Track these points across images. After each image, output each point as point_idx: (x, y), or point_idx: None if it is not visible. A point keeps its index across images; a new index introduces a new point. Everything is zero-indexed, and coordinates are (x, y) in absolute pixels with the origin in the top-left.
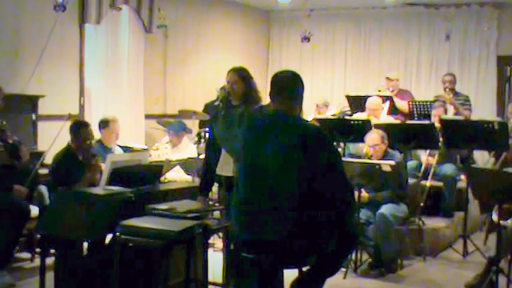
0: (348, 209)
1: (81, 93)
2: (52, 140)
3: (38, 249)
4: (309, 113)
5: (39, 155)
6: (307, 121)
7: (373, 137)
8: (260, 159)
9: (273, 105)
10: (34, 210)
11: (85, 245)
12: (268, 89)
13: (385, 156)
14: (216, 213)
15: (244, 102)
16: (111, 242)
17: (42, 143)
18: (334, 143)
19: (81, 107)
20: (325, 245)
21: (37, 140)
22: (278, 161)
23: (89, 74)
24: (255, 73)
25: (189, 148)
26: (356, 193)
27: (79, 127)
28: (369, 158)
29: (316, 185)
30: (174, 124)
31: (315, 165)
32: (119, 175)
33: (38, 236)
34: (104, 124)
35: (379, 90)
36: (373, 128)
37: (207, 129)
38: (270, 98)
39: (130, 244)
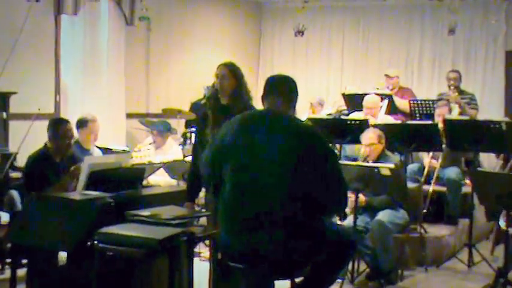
0: (340, 212)
1: (57, 90)
2: (22, 140)
3: (8, 260)
4: (303, 112)
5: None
6: (302, 121)
7: (369, 136)
8: (251, 161)
9: (264, 105)
10: (4, 217)
11: (61, 254)
12: (259, 88)
13: (381, 157)
14: (203, 220)
15: (234, 101)
16: (89, 251)
17: (14, 143)
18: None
19: (57, 105)
20: (320, 254)
21: (8, 141)
22: (271, 163)
23: (65, 69)
24: (245, 69)
25: (174, 150)
26: (353, 197)
27: (58, 124)
28: (365, 159)
29: (310, 187)
30: (158, 124)
31: (310, 167)
32: (97, 179)
33: (9, 245)
34: (81, 124)
35: (377, 88)
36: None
37: (193, 129)
38: (262, 99)
39: (110, 253)
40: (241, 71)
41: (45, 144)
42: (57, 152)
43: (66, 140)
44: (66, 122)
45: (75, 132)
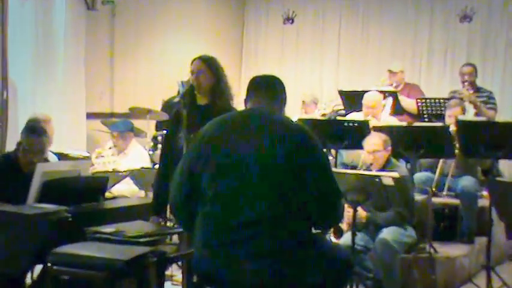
0: (334, 223)
1: (4, 86)
2: None
3: None
4: (294, 112)
5: None
6: (292, 121)
7: (374, 142)
8: (235, 168)
9: (248, 105)
10: None
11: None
12: (242, 84)
13: (386, 166)
14: (175, 238)
15: (212, 100)
16: (41, 275)
17: None
18: (324, 150)
19: (4, 103)
20: (312, 275)
21: None
22: (258, 169)
23: (14, 61)
24: (226, 62)
25: (140, 154)
26: (351, 211)
27: (31, 137)
28: (368, 168)
29: (301, 196)
30: (117, 124)
31: (300, 171)
32: (51, 190)
33: None
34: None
35: (383, 81)
36: (371, 131)
37: (165, 132)
38: (245, 101)
39: (66, 277)
40: (221, 65)
41: (15, 149)
42: (25, 164)
43: (33, 156)
44: (43, 134)
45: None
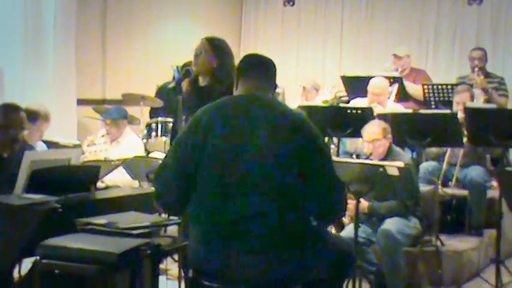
0: (337, 214)
1: None
2: None
3: None
4: (294, 98)
5: None
6: (290, 108)
7: (373, 130)
8: (234, 157)
9: (241, 88)
10: None
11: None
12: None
13: (388, 155)
14: (172, 230)
15: (213, 82)
16: (31, 270)
17: None
18: (326, 138)
19: None
20: (312, 270)
21: None
22: (258, 159)
23: (2, 47)
24: None
25: (134, 143)
26: (353, 203)
27: (8, 111)
28: (367, 158)
29: (302, 187)
30: (110, 111)
31: (299, 163)
32: (41, 179)
33: None
34: (31, 117)
35: (388, 68)
36: (375, 118)
37: (160, 119)
38: (237, 82)
39: (56, 271)
40: (229, 49)
41: None
42: (3, 146)
43: (14, 132)
44: (19, 109)
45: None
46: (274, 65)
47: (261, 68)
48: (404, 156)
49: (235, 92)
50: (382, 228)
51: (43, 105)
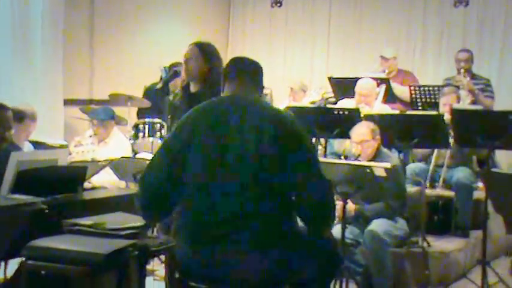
0: (326, 218)
1: None
2: None
3: None
4: (282, 99)
5: None
6: (277, 108)
7: (361, 131)
8: (219, 158)
9: (227, 91)
10: None
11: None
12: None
13: (376, 156)
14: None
15: (204, 87)
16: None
17: None
18: (313, 139)
19: None
20: (300, 270)
21: None
22: (243, 159)
23: None
24: None
25: (121, 143)
26: (340, 204)
27: None
28: (356, 159)
29: (285, 187)
30: (98, 111)
31: (285, 163)
32: (27, 180)
33: None
34: (18, 117)
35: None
36: (364, 120)
37: (147, 120)
38: (223, 84)
39: (43, 272)
40: (218, 52)
41: None
42: None
43: (1, 131)
44: (5, 108)
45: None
46: (261, 68)
47: (247, 71)
48: (393, 158)
49: (222, 95)
50: (368, 229)
51: (30, 105)
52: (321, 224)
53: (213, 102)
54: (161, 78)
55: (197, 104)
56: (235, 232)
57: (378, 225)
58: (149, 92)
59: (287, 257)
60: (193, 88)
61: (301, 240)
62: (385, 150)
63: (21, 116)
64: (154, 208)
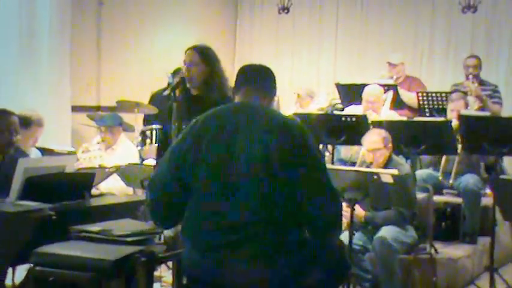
0: (333, 227)
1: None
2: None
3: None
4: (289, 106)
5: None
6: (285, 116)
7: (373, 139)
8: (224, 166)
9: (238, 98)
10: None
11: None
12: (235, 78)
13: (388, 164)
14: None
15: (206, 91)
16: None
17: None
18: (320, 146)
19: None
20: (308, 277)
21: None
22: (250, 167)
23: None
24: (219, 55)
25: (128, 150)
26: (348, 210)
27: (2, 112)
28: (367, 167)
29: (293, 195)
30: (105, 118)
31: (298, 171)
32: (35, 186)
33: None
34: (24, 123)
35: (382, 75)
36: (371, 126)
37: (154, 126)
38: (235, 90)
39: (51, 278)
40: (216, 54)
41: None
42: (2, 146)
43: (8, 136)
44: (11, 114)
45: None
46: (271, 74)
47: (258, 78)
48: (405, 166)
49: (230, 103)
50: (378, 235)
51: (36, 110)
52: (329, 233)
53: (221, 110)
54: (168, 85)
55: (198, 108)
56: (242, 240)
57: (387, 232)
58: (156, 99)
59: (295, 266)
60: (194, 91)
61: (308, 249)
62: (396, 158)
63: (27, 122)
64: (165, 215)
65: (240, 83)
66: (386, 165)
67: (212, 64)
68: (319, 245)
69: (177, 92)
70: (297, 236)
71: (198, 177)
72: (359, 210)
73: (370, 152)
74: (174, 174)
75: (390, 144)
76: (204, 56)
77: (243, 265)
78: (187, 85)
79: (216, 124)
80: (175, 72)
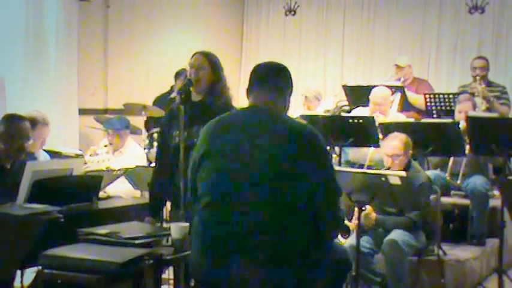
0: (338, 230)
1: None
2: None
3: None
4: (296, 108)
5: None
6: (296, 120)
7: (394, 144)
8: (234, 171)
9: (251, 99)
10: None
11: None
12: (242, 80)
13: (407, 170)
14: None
15: (211, 97)
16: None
17: None
18: (327, 148)
19: None
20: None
21: None
22: (258, 172)
23: (3, 56)
24: (225, 57)
25: (136, 153)
26: (356, 210)
27: (11, 121)
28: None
29: (306, 203)
30: (113, 121)
31: (303, 176)
32: (43, 189)
33: None
34: (30, 124)
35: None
36: (378, 128)
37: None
38: (247, 92)
39: (59, 281)
40: (220, 63)
41: None
42: (7, 156)
43: (20, 141)
44: (22, 119)
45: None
46: (284, 71)
47: (266, 80)
48: (422, 174)
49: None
50: (388, 238)
51: (40, 111)
52: (331, 237)
53: (231, 116)
54: (171, 87)
55: (200, 114)
56: (250, 244)
57: (397, 235)
58: (160, 101)
59: (302, 269)
60: (195, 97)
61: (316, 253)
62: (416, 165)
63: (33, 122)
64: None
65: (254, 83)
66: (405, 170)
67: (218, 70)
68: (323, 248)
69: (182, 96)
70: (307, 243)
71: (209, 184)
72: (372, 213)
73: (390, 157)
74: (192, 182)
75: (411, 151)
76: (211, 61)
77: (251, 269)
78: (192, 89)
79: (224, 130)
80: (178, 74)
